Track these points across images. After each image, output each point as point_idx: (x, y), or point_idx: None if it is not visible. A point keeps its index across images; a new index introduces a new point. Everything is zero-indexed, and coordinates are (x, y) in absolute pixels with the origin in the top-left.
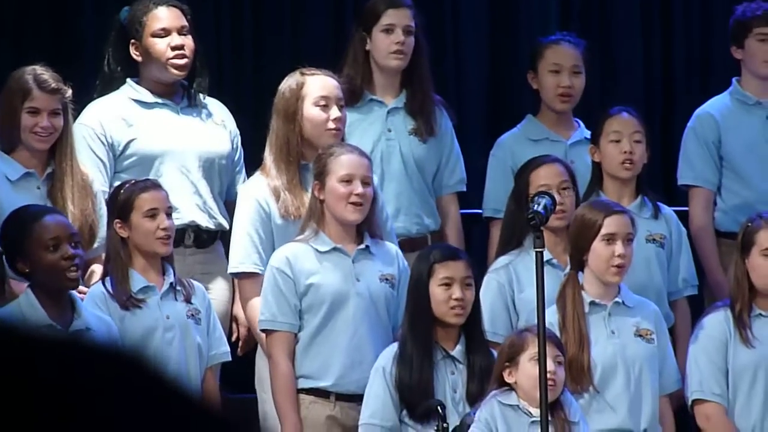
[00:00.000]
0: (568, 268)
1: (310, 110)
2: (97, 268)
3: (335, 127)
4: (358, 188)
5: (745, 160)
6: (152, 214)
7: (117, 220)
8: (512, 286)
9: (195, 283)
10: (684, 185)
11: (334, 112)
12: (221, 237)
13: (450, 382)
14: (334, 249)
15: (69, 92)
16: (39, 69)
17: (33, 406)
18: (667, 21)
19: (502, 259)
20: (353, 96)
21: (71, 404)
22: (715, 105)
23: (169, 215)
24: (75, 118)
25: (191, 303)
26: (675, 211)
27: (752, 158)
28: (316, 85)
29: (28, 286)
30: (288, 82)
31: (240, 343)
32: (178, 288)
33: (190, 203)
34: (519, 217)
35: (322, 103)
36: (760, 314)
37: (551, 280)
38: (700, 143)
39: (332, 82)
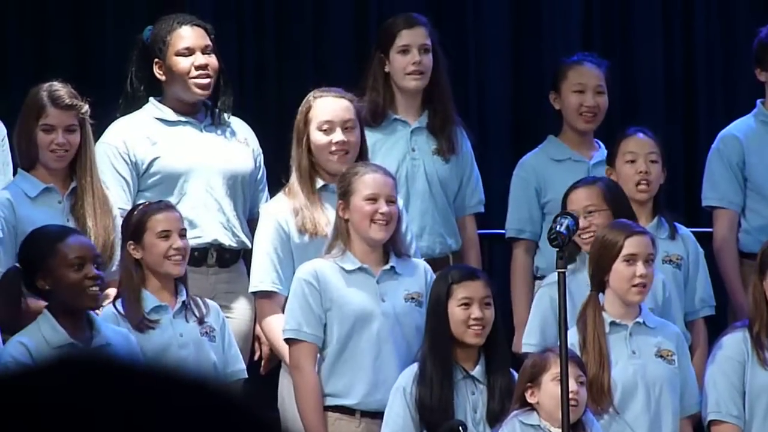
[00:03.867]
0: None
1: (314, 134)
2: (112, 292)
3: (338, 150)
4: (383, 207)
5: None
6: (165, 235)
7: (130, 242)
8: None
9: (209, 301)
10: (708, 206)
11: (337, 135)
12: (244, 256)
13: (470, 402)
14: (360, 269)
15: (85, 107)
16: (55, 85)
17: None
18: (689, 41)
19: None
20: (377, 117)
21: None
22: (739, 126)
23: (182, 236)
24: (96, 135)
25: (205, 322)
26: (697, 232)
27: None
28: (320, 109)
29: (45, 308)
30: (302, 105)
31: (263, 362)
32: (191, 307)
33: (213, 221)
34: None
35: (325, 127)
36: None
37: None
38: (725, 164)
39: (339, 104)
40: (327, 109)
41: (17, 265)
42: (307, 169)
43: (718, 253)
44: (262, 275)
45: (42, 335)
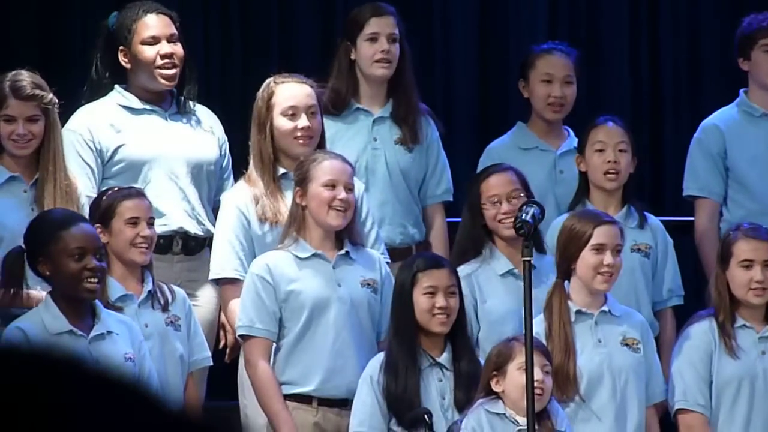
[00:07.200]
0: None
1: (278, 120)
2: None
3: (302, 136)
4: (342, 194)
5: (750, 172)
6: (133, 222)
7: (97, 225)
8: (475, 296)
9: (175, 288)
10: (689, 196)
11: (302, 121)
12: (209, 244)
13: (438, 389)
14: (315, 255)
15: (49, 97)
16: (20, 75)
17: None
18: (655, 30)
19: (463, 269)
20: (339, 105)
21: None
22: (721, 116)
23: (150, 224)
24: (61, 122)
25: (169, 310)
26: (664, 221)
27: (757, 169)
28: (283, 95)
29: (48, 293)
30: (261, 90)
31: (227, 350)
32: (157, 295)
33: (178, 209)
34: (474, 227)
35: (290, 112)
36: (744, 325)
37: (515, 290)
38: (706, 154)
39: (302, 90)
40: (291, 94)
41: (22, 246)
42: (270, 156)
43: (699, 242)
44: (223, 262)
45: (42, 321)
